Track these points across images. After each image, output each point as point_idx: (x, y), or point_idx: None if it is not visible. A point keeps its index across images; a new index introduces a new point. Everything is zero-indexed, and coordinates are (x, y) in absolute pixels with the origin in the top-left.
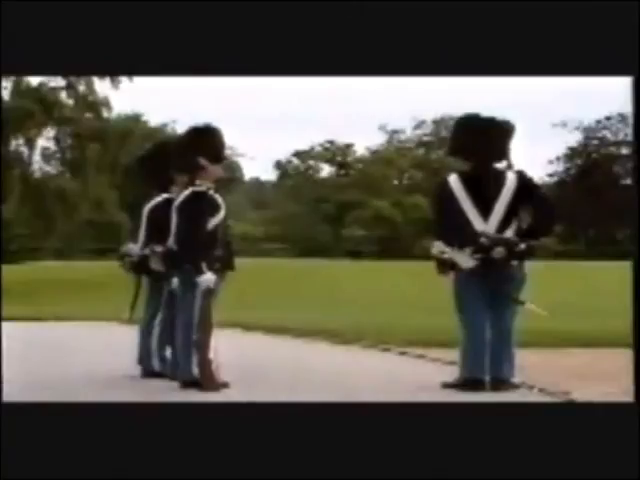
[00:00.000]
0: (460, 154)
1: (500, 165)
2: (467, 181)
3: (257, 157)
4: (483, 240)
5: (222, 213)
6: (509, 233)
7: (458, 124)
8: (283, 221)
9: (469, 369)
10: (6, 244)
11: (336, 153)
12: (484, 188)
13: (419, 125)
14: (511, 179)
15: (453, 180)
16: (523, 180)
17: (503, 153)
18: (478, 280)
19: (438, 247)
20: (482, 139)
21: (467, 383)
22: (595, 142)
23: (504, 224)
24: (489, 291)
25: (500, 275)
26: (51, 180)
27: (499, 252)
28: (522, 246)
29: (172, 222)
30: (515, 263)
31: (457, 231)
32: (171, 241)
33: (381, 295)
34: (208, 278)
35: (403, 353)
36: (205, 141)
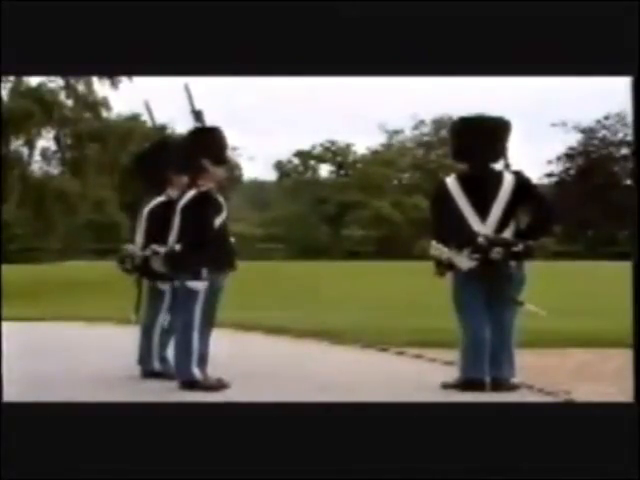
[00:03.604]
0: (458, 156)
1: (498, 165)
2: (464, 182)
3: (257, 157)
4: (481, 240)
5: (225, 213)
6: (507, 233)
7: (453, 127)
8: (283, 221)
9: (469, 370)
10: (6, 244)
11: (336, 153)
12: (481, 189)
13: (418, 125)
14: (508, 179)
15: (450, 181)
16: (521, 180)
17: (499, 153)
18: (476, 281)
19: (436, 248)
20: (477, 140)
21: (467, 384)
22: (595, 142)
23: (502, 225)
24: (488, 291)
25: (499, 275)
26: (51, 180)
27: (497, 252)
28: (520, 246)
29: (174, 223)
30: (513, 263)
31: (455, 232)
32: (172, 241)
33: (380, 295)
34: (201, 284)
35: (401, 353)
36: (207, 142)
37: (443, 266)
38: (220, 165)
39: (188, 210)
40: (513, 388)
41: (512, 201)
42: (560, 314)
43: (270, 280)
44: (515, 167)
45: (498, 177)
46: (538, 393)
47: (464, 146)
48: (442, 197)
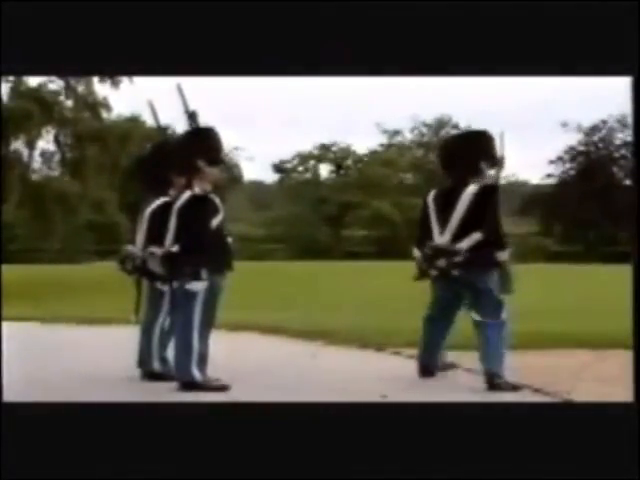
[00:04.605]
0: (442, 171)
1: (489, 176)
2: (438, 195)
3: (257, 157)
4: (426, 251)
5: (221, 215)
6: (465, 244)
7: (438, 145)
8: (283, 222)
9: (422, 356)
10: (6, 244)
11: (336, 153)
12: (447, 201)
13: (418, 125)
14: (469, 191)
15: (431, 194)
16: (484, 192)
17: (475, 165)
18: (442, 285)
19: (416, 255)
20: (453, 155)
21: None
22: (595, 142)
23: (459, 235)
24: (453, 297)
25: (455, 283)
26: (51, 181)
27: (441, 262)
28: (460, 258)
29: (171, 224)
30: (456, 272)
31: (424, 241)
32: (169, 243)
33: (380, 295)
34: (200, 285)
35: (399, 353)
36: (202, 143)
37: (423, 271)
38: (216, 166)
39: (184, 212)
40: (513, 388)
41: (471, 212)
42: (560, 314)
43: (270, 280)
44: (516, 168)
45: (464, 189)
46: (538, 393)
47: (443, 161)
48: (423, 208)
